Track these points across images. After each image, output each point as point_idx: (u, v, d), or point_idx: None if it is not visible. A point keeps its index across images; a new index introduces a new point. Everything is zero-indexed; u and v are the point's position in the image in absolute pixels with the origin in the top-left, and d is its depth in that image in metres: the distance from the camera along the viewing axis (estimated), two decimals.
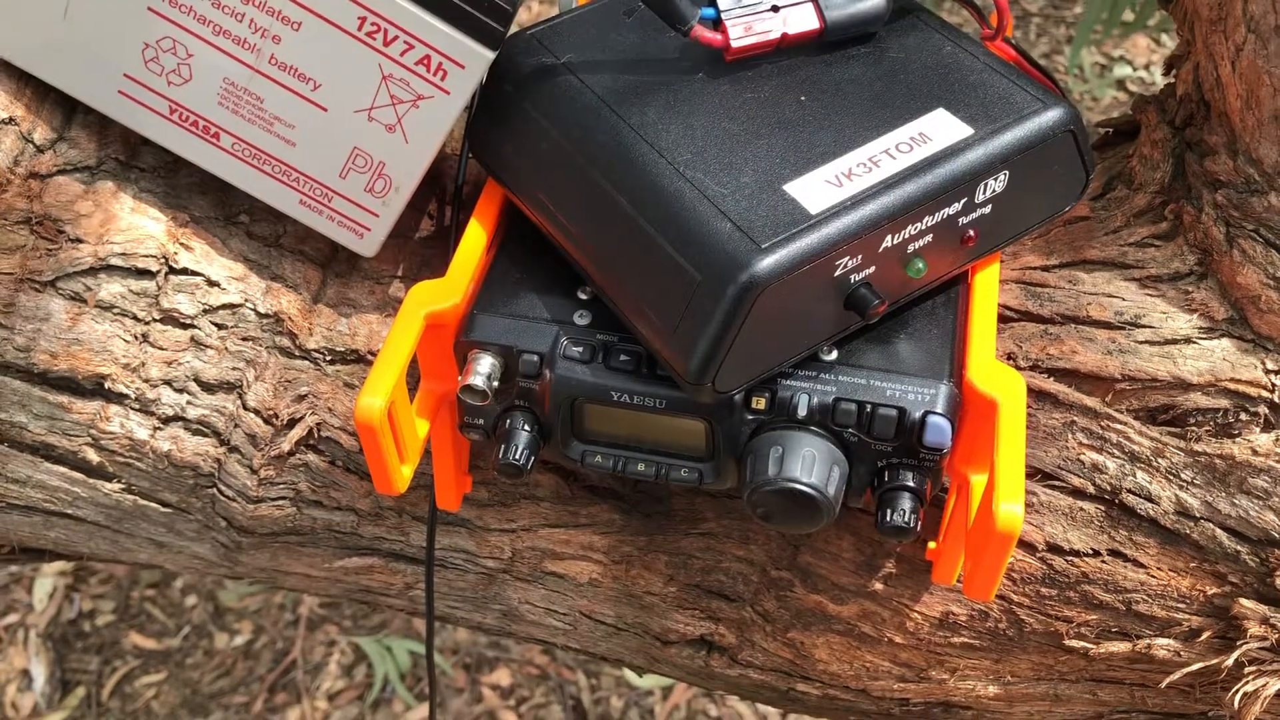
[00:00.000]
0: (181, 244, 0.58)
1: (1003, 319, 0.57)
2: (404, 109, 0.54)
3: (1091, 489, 0.55)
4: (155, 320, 0.57)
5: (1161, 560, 0.56)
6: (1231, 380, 0.55)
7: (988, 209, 0.51)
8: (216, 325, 0.58)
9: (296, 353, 0.59)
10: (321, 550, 0.63)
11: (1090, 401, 0.55)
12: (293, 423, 0.59)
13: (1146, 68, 2.24)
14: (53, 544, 0.67)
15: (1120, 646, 0.57)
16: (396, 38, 0.52)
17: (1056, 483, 0.56)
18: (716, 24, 0.52)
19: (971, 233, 0.51)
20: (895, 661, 0.60)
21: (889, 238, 0.48)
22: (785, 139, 0.50)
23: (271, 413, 0.59)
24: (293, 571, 0.66)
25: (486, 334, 0.52)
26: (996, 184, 0.50)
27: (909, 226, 0.49)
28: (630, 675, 1.59)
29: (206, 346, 0.58)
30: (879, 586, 0.59)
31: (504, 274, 0.55)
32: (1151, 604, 0.56)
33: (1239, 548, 0.55)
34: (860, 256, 0.48)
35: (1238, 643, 0.55)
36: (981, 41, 0.56)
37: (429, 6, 0.51)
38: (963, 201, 0.50)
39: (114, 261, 0.56)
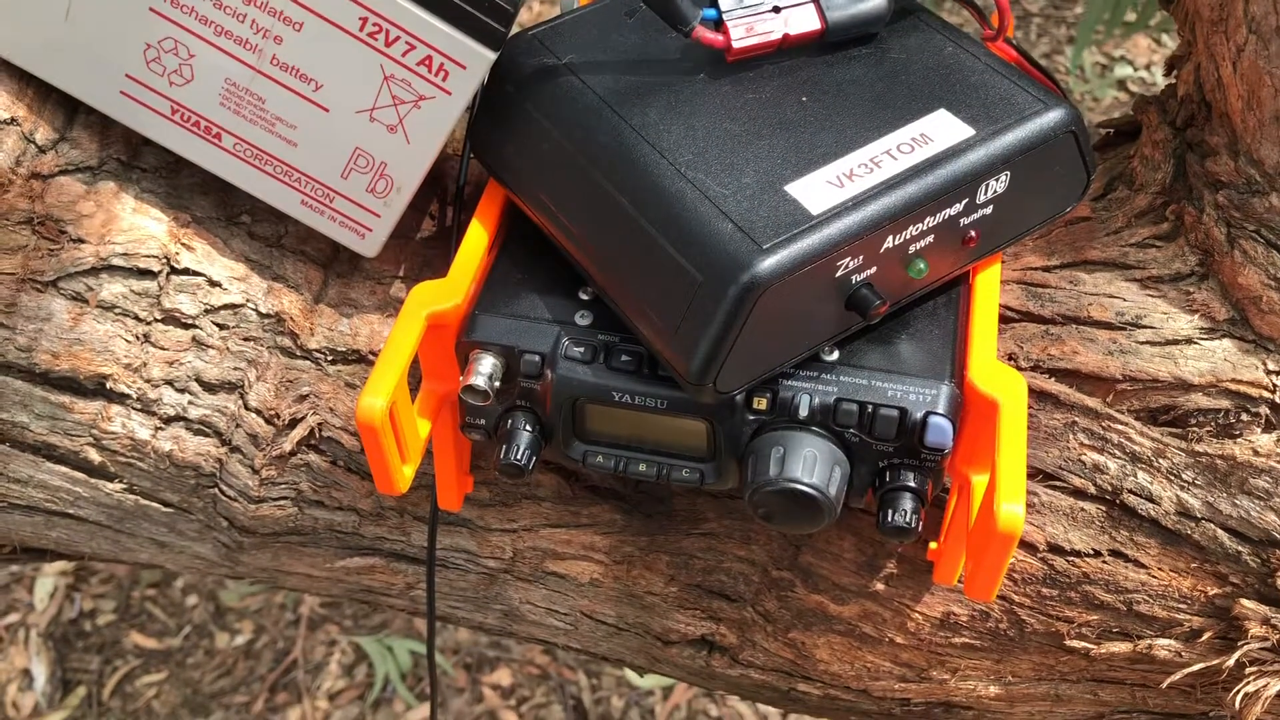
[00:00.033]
0: (183, 244, 0.58)
1: (1004, 319, 0.57)
2: (405, 109, 0.54)
3: (1093, 489, 0.55)
4: (157, 320, 0.58)
5: (1163, 561, 0.56)
6: (1233, 381, 0.55)
7: (989, 210, 0.51)
8: (218, 325, 0.58)
9: (298, 353, 0.59)
10: (323, 550, 0.63)
11: (1091, 402, 0.55)
12: (294, 423, 0.59)
13: (1147, 68, 2.24)
14: (54, 544, 0.67)
15: (1121, 647, 0.57)
16: (398, 38, 0.52)
17: (1057, 483, 0.56)
18: (718, 25, 0.52)
19: (973, 233, 0.51)
20: (896, 662, 0.60)
21: (890, 238, 0.48)
22: (787, 140, 0.50)
23: (273, 413, 0.59)
24: (294, 571, 0.66)
25: (488, 334, 0.52)
26: (998, 185, 0.50)
27: (910, 227, 0.49)
28: (631, 675, 1.59)
29: (208, 346, 0.58)
30: (880, 587, 0.59)
31: (505, 274, 0.55)
32: (1152, 604, 0.56)
33: (1240, 548, 0.55)
34: (861, 257, 0.48)
35: (1239, 643, 0.55)
36: (982, 42, 0.56)
37: (430, 7, 0.51)
38: (964, 202, 0.50)
39: (116, 262, 0.56)
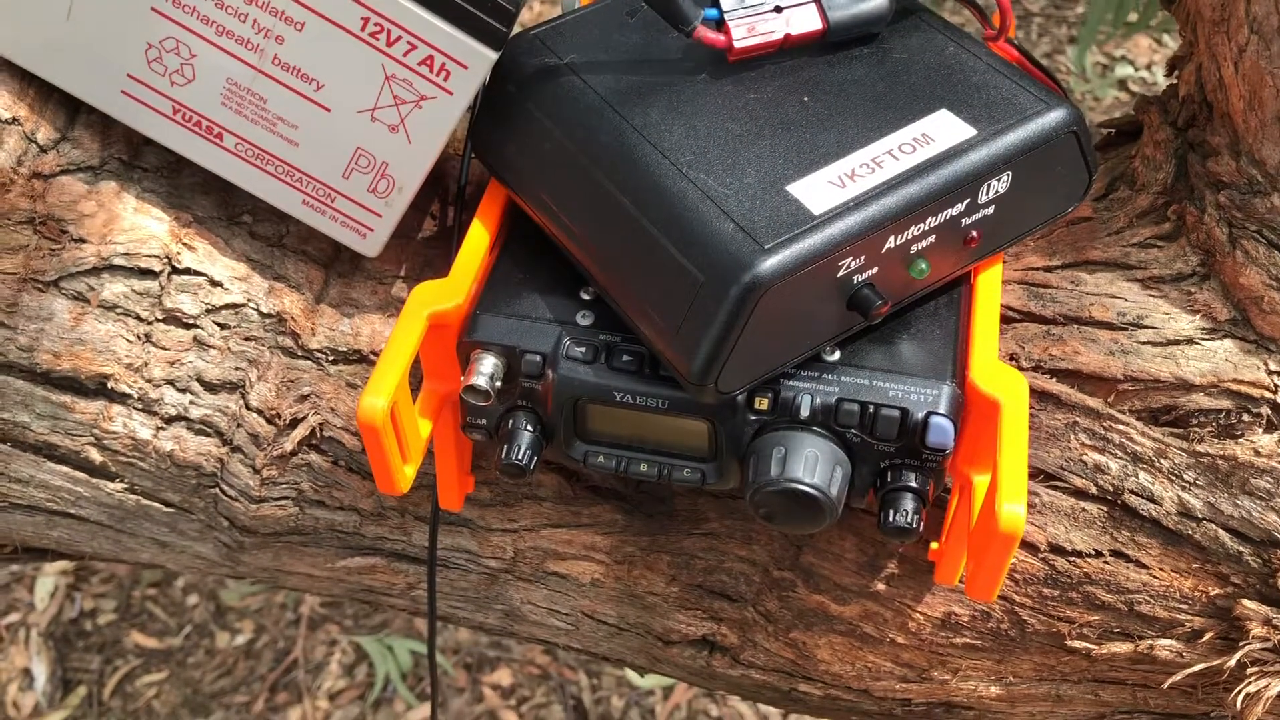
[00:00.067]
0: (184, 244, 0.58)
1: (1005, 320, 0.57)
2: (407, 109, 0.54)
3: (1094, 490, 0.55)
4: (158, 320, 0.58)
5: (1164, 561, 0.56)
6: (1234, 381, 0.55)
7: (990, 210, 0.51)
8: (219, 325, 0.58)
9: (299, 353, 0.59)
10: (324, 550, 0.63)
11: (1093, 402, 0.55)
12: (295, 422, 0.59)
13: (1148, 67, 2.24)
14: (55, 544, 0.67)
15: (1122, 647, 0.57)
16: (400, 38, 0.52)
17: (1059, 483, 0.56)
18: (719, 24, 0.52)
19: (974, 233, 0.51)
20: (897, 662, 0.60)
21: (892, 238, 0.48)
22: (788, 140, 0.50)
23: (274, 413, 0.59)
24: (295, 571, 0.66)
25: (489, 334, 0.52)
26: (999, 185, 0.50)
27: (912, 227, 0.49)
28: (631, 675, 1.59)
29: (209, 346, 0.58)
30: (881, 587, 0.59)
31: (507, 274, 0.55)
32: (1154, 605, 0.56)
33: (1241, 549, 0.55)
34: (863, 257, 0.48)
35: (1240, 644, 0.55)
36: (984, 42, 0.56)
37: (432, 7, 0.51)
38: (966, 202, 0.50)
39: (117, 261, 0.56)
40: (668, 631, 0.63)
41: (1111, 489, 0.55)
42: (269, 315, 0.59)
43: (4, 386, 0.57)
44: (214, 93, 0.54)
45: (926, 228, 0.49)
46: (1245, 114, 0.54)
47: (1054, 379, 0.56)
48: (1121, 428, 0.55)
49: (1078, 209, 0.56)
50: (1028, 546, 0.56)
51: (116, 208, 0.57)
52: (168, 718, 1.55)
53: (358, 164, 0.56)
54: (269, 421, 0.59)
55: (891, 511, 0.50)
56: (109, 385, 0.57)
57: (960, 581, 0.57)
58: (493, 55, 0.53)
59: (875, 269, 0.49)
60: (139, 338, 0.57)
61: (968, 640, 0.59)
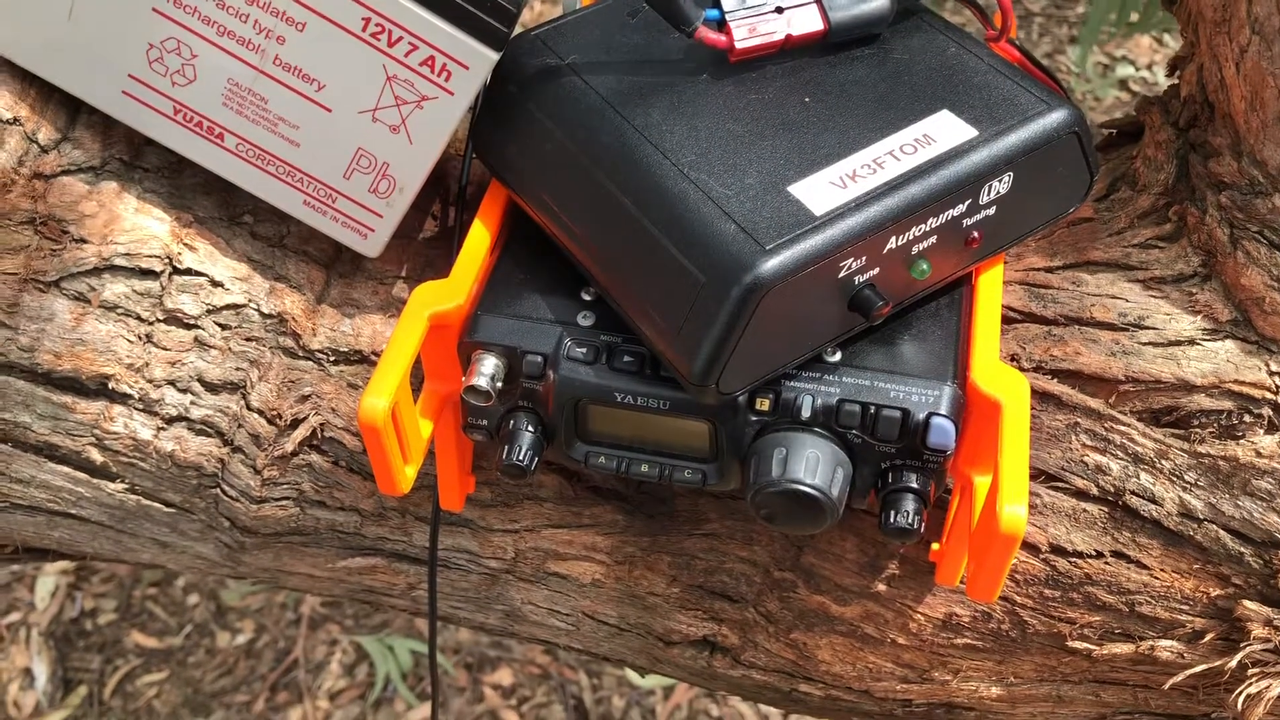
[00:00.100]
0: (185, 244, 0.58)
1: (1006, 320, 0.57)
2: (408, 110, 0.54)
3: (1095, 490, 0.55)
4: (159, 320, 0.58)
5: (1165, 562, 0.56)
6: (1235, 382, 0.55)
7: (992, 210, 0.51)
8: (220, 325, 0.58)
9: (300, 353, 0.59)
10: (324, 550, 0.63)
11: (1094, 403, 0.55)
12: (296, 423, 0.59)
13: (1149, 67, 2.24)
14: (56, 544, 0.67)
15: (1123, 648, 0.57)
16: (401, 38, 0.52)
17: (1060, 484, 0.56)
18: (721, 25, 0.52)
19: (976, 234, 0.51)
20: (898, 663, 0.60)
21: (893, 239, 0.48)
22: (789, 140, 0.50)
23: (275, 413, 0.59)
24: (296, 572, 0.66)
25: (490, 335, 0.52)
26: (1001, 185, 0.50)
27: (913, 228, 0.49)
28: (632, 675, 1.59)
29: (210, 347, 0.58)
30: (882, 588, 0.59)
31: (508, 275, 0.55)
32: (1155, 605, 0.56)
33: (1243, 549, 0.55)
34: (864, 258, 0.48)
35: (1241, 645, 0.55)
36: (985, 42, 0.56)
37: (433, 7, 0.51)
38: (967, 203, 0.50)
39: (118, 262, 0.56)
40: (668, 632, 0.63)
41: (1113, 490, 0.55)
42: (270, 315, 0.59)
43: (5, 387, 0.57)
44: (215, 93, 0.54)
45: (928, 228, 0.49)
46: (1247, 115, 0.54)
47: (1055, 380, 0.56)
48: (1123, 429, 0.55)
49: (1079, 209, 0.56)
50: (1029, 547, 0.56)
51: (117, 208, 0.57)
52: (168, 717, 1.55)
53: (359, 164, 0.56)
54: (270, 422, 0.59)
55: (892, 512, 0.50)
56: (110, 385, 0.57)
57: (961, 582, 0.57)
58: (494, 56, 0.53)
59: (876, 270, 0.49)
60: (140, 338, 0.57)
61: (969, 641, 0.59)
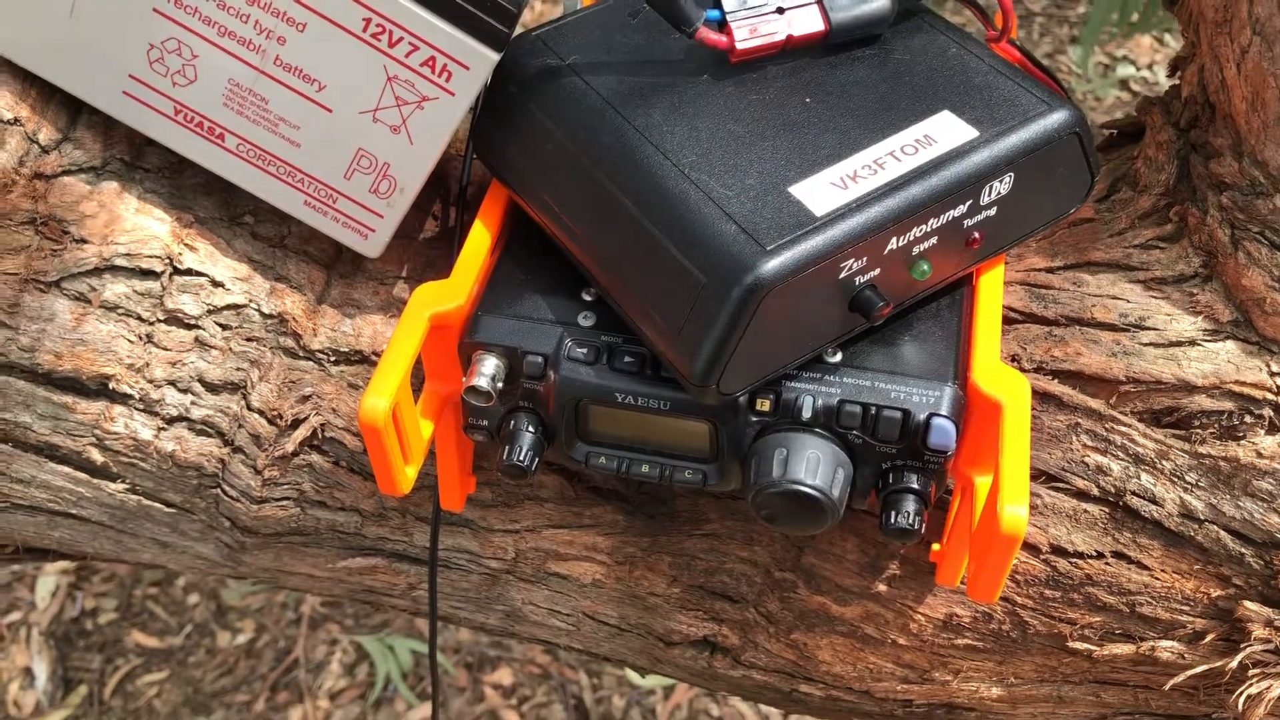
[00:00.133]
0: (186, 245, 0.58)
1: (1007, 321, 0.57)
2: (409, 110, 0.54)
3: (1095, 491, 0.55)
4: (159, 321, 0.58)
5: (1165, 563, 0.56)
6: (1236, 383, 0.55)
7: (993, 211, 0.51)
8: (221, 326, 0.58)
9: (301, 353, 0.59)
10: (325, 551, 0.63)
11: (1095, 403, 0.55)
12: (297, 423, 0.59)
13: (1150, 67, 2.24)
14: (57, 544, 0.67)
15: (1124, 648, 0.57)
16: (401, 39, 0.52)
17: (1060, 485, 0.56)
18: (721, 26, 0.52)
19: (976, 235, 0.51)
20: (899, 663, 0.60)
21: (894, 240, 0.48)
22: (790, 141, 0.50)
23: (275, 413, 0.59)
24: (296, 572, 0.66)
25: (491, 335, 0.52)
26: (1001, 186, 0.50)
27: (914, 229, 0.49)
28: (633, 675, 1.59)
29: (211, 347, 0.58)
30: (883, 588, 0.59)
31: (508, 275, 0.55)
32: (1155, 606, 0.56)
33: (1243, 550, 0.55)
34: (865, 259, 0.48)
35: (1242, 645, 0.55)
36: (986, 43, 0.56)
37: (434, 8, 0.51)
38: (968, 204, 0.50)
39: (118, 262, 0.56)
40: (669, 632, 0.63)
41: (1113, 490, 0.55)
42: (270, 316, 0.58)
43: (6, 387, 0.57)
44: (216, 93, 0.54)
45: (928, 229, 0.49)
46: (1248, 115, 0.54)
47: (1056, 380, 0.56)
48: (1123, 429, 0.55)
49: (1080, 210, 0.56)
50: (1029, 548, 0.56)
51: (118, 208, 0.57)
52: (168, 717, 1.55)
53: (359, 165, 0.56)
54: (270, 422, 0.59)
55: (893, 513, 0.50)
56: (110, 386, 0.57)
57: (962, 583, 0.57)
58: (494, 56, 0.53)
59: (877, 270, 0.49)
60: (140, 338, 0.57)
61: (969, 641, 0.59)
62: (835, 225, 0.47)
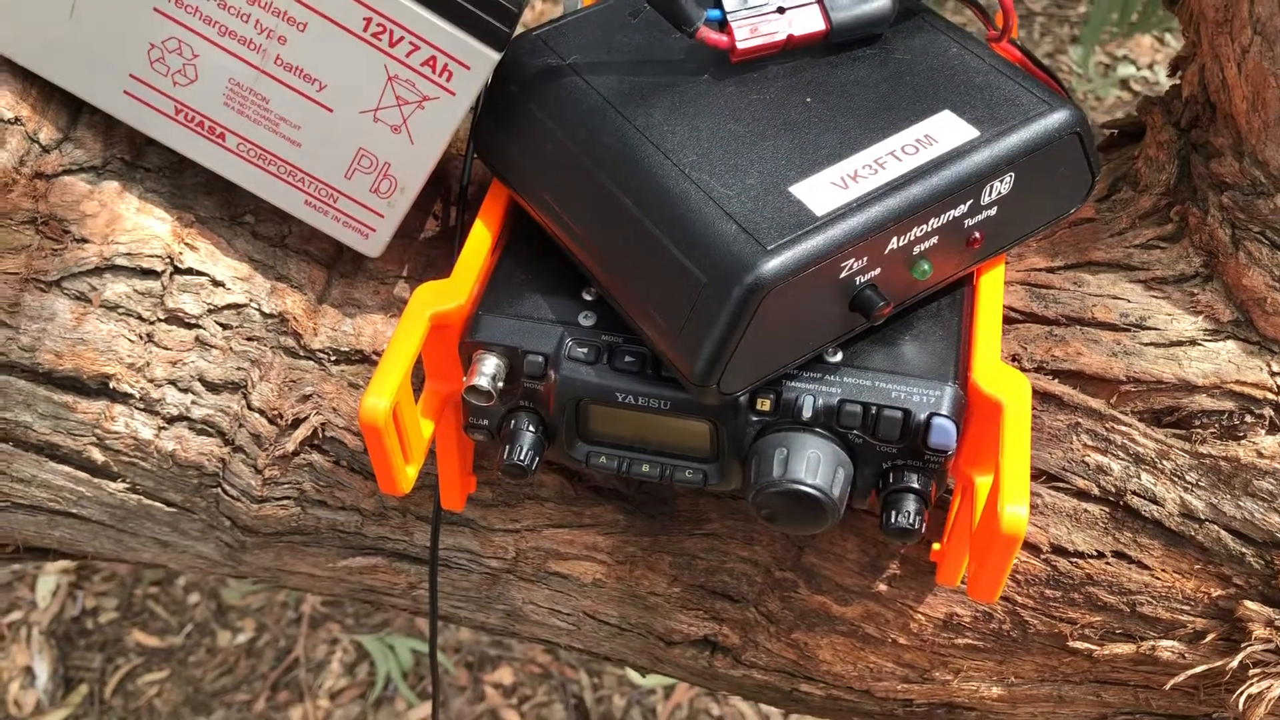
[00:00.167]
0: (186, 244, 0.58)
1: (1008, 320, 0.57)
2: (409, 110, 0.54)
3: (1096, 491, 0.55)
4: (160, 320, 0.58)
5: (1166, 562, 0.56)
6: (1237, 382, 0.55)
7: (993, 211, 0.51)
8: (221, 325, 0.58)
9: (301, 353, 0.59)
10: (325, 550, 0.63)
11: (1095, 403, 0.55)
12: (297, 422, 0.59)
13: (1150, 67, 2.24)
14: (57, 543, 0.67)
15: (1124, 648, 0.57)
16: (402, 39, 0.52)
17: (1061, 484, 0.56)
18: (722, 25, 0.52)
19: (977, 235, 0.51)
20: (899, 662, 0.60)
21: (894, 240, 0.48)
22: (791, 141, 0.50)
23: (276, 413, 0.59)
24: (297, 571, 0.66)
25: (491, 335, 0.52)
26: (1002, 186, 0.50)
27: (914, 228, 0.49)
28: (633, 675, 1.59)
29: (211, 346, 0.58)
30: (883, 588, 0.59)
31: (509, 275, 0.55)
32: (1156, 606, 0.56)
33: (1244, 550, 0.55)
34: (866, 258, 0.48)
35: (1242, 645, 0.55)
36: (987, 42, 0.56)
37: (435, 8, 0.51)
38: (968, 203, 0.50)
39: (119, 261, 0.56)
40: (669, 632, 0.63)
41: (1114, 490, 0.55)
42: (271, 315, 0.59)
43: (6, 386, 0.57)
44: (216, 93, 0.54)
45: (929, 229, 0.49)
46: (1248, 115, 0.54)
47: (1056, 380, 0.56)
48: (1124, 429, 0.55)
49: (1080, 210, 0.56)
50: (1030, 547, 0.56)
51: (119, 208, 0.57)
52: (169, 716, 1.55)
53: (360, 164, 0.56)
54: (271, 421, 0.59)
55: (894, 512, 0.50)
56: (111, 385, 0.57)
57: (962, 582, 0.57)
58: (495, 56, 0.53)
59: (878, 270, 0.49)
60: (141, 337, 0.57)
61: (970, 641, 0.59)
62: (836, 225, 0.47)
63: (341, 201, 0.57)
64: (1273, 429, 0.54)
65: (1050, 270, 0.58)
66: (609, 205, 0.51)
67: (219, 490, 0.60)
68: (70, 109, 0.57)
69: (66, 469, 0.60)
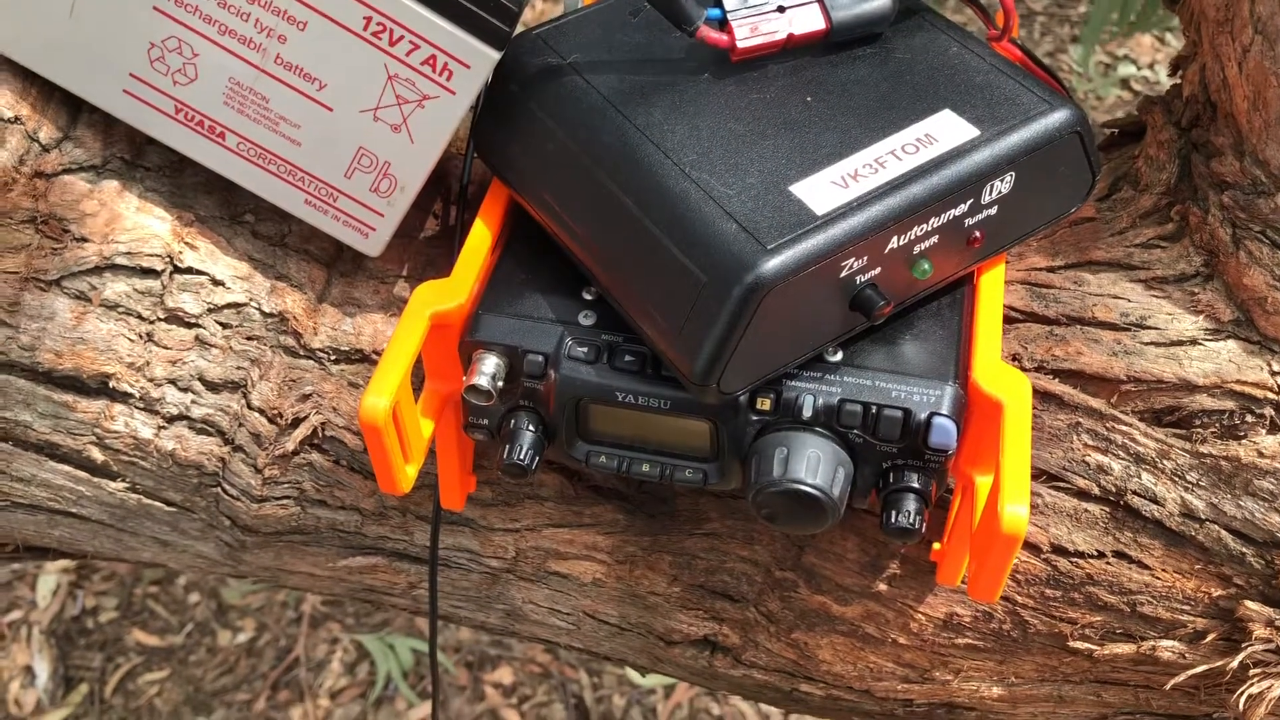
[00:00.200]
0: (186, 243, 0.58)
1: (1008, 320, 0.57)
2: (409, 109, 0.54)
3: (1096, 490, 0.55)
4: (160, 319, 0.57)
5: (1166, 562, 0.56)
6: (1237, 382, 0.55)
7: (994, 210, 0.51)
8: (221, 324, 0.58)
9: (301, 352, 0.59)
10: (325, 549, 0.63)
11: (1095, 403, 0.55)
12: (297, 422, 0.59)
13: (1151, 66, 2.24)
14: (57, 543, 0.67)
15: (1125, 648, 0.57)
16: (402, 38, 0.52)
17: (1061, 484, 0.56)
18: (722, 24, 0.52)
19: (977, 234, 0.51)
20: (899, 662, 0.60)
21: (895, 239, 0.48)
22: (791, 140, 0.50)
23: (276, 412, 0.59)
24: (297, 570, 0.66)
25: (491, 334, 0.51)
26: (1002, 185, 0.50)
27: (915, 228, 0.49)
28: (633, 674, 1.59)
29: (211, 346, 0.58)
30: (883, 587, 0.59)
31: (509, 274, 0.55)
32: (1156, 606, 0.56)
33: (1244, 550, 0.55)
34: (866, 258, 0.48)
35: (1242, 645, 0.55)
36: (987, 42, 0.56)
37: (435, 6, 0.51)
38: (969, 203, 0.50)
39: (119, 261, 0.56)
40: (669, 631, 0.63)
41: (1114, 490, 0.55)
42: (271, 314, 0.58)
43: (6, 385, 0.57)
44: (216, 92, 0.54)
45: (929, 228, 0.49)
46: (1249, 114, 0.54)
47: (1057, 379, 0.56)
48: (1124, 428, 0.55)
49: (1081, 209, 0.56)
50: (1030, 547, 0.56)
51: (119, 207, 0.57)
52: (169, 716, 1.55)
53: (360, 163, 0.56)
54: (271, 421, 0.59)
55: (894, 512, 0.50)
56: (110, 384, 0.57)
57: (962, 582, 0.57)
58: (495, 55, 0.53)
59: (878, 269, 0.49)
60: (141, 337, 0.57)
61: (970, 641, 0.59)
62: (836, 224, 0.47)
63: (341, 201, 0.57)
64: (1273, 428, 0.54)
65: (1051, 270, 0.58)
66: (609, 204, 0.50)
67: (219, 490, 0.60)
68: (70, 108, 0.57)
69: (66, 468, 0.60)
